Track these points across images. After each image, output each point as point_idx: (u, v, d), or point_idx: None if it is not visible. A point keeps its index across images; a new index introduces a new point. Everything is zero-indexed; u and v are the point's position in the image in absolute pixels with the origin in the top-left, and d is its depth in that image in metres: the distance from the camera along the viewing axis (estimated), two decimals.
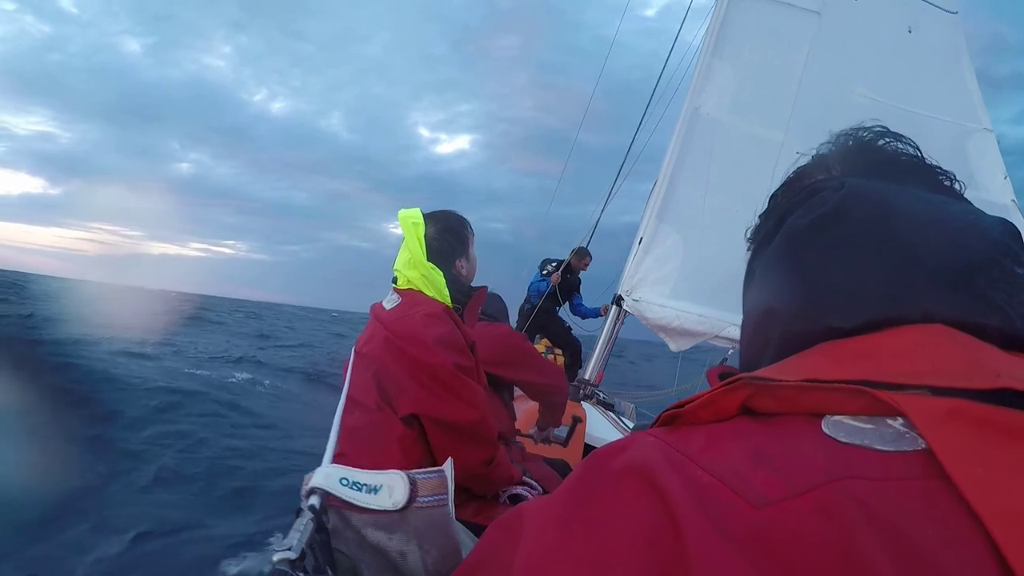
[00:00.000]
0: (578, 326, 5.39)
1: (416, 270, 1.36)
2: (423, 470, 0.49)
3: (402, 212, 1.41)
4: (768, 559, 0.24)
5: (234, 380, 8.18)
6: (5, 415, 4.20)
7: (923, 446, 0.27)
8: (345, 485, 0.45)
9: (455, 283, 1.42)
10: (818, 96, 3.58)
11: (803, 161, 0.49)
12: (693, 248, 3.44)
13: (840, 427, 0.29)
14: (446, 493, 0.47)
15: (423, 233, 1.39)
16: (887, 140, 0.46)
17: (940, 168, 0.45)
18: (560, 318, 5.44)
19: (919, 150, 0.45)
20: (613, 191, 4.92)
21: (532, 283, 5.40)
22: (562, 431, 2.67)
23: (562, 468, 2.13)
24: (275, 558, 0.39)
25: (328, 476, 0.46)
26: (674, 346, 3.26)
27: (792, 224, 0.43)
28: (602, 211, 5.13)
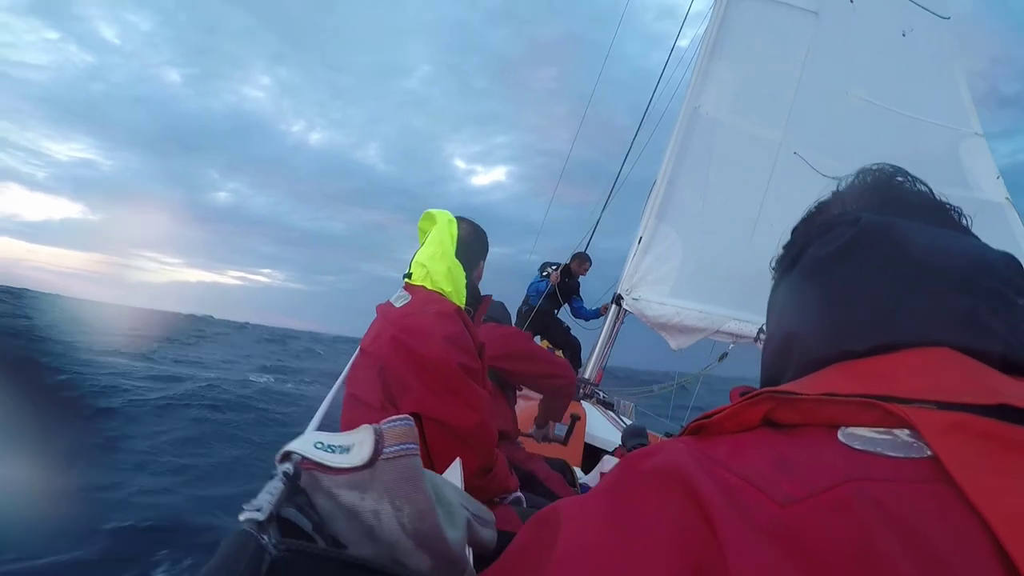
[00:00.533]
0: (583, 328, 5.42)
1: (443, 263, 1.35)
2: (389, 418, 0.48)
3: (432, 211, 1.42)
4: (793, 552, 0.26)
5: (255, 383, 8.42)
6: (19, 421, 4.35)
7: (929, 454, 0.29)
8: (320, 448, 0.45)
9: (472, 286, 1.43)
10: (816, 96, 3.61)
11: (824, 196, 0.53)
12: (692, 246, 3.46)
13: (855, 437, 0.32)
14: (413, 442, 0.46)
15: (456, 230, 1.39)
16: (901, 179, 0.50)
17: (949, 204, 0.48)
18: (559, 319, 5.46)
19: (931, 189, 0.49)
20: (611, 194, 4.97)
21: (531, 284, 5.41)
22: (561, 429, 2.67)
23: (562, 468, 2.12)
24: (241, 517, 0.37)
25: (303, 441, 0.46)
26: (674, 344, 3.27)
27: (811, 256, 0.47)
28: (599, 216, 5.18)
